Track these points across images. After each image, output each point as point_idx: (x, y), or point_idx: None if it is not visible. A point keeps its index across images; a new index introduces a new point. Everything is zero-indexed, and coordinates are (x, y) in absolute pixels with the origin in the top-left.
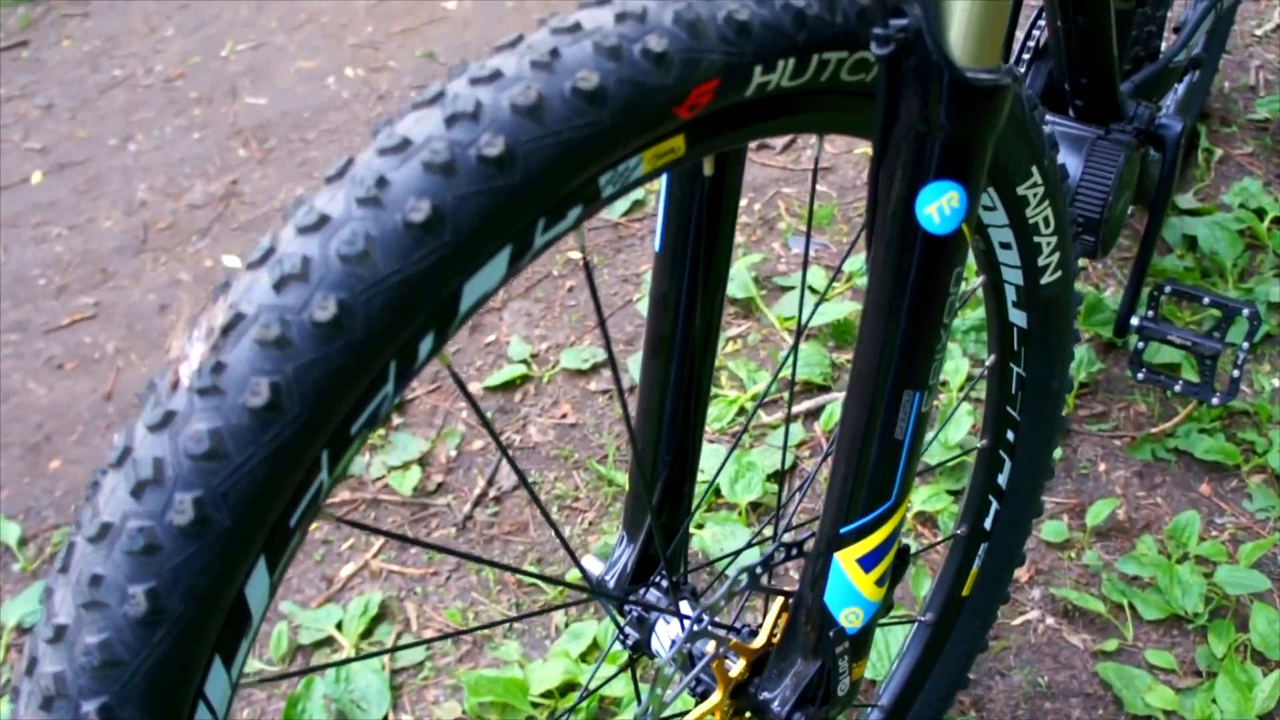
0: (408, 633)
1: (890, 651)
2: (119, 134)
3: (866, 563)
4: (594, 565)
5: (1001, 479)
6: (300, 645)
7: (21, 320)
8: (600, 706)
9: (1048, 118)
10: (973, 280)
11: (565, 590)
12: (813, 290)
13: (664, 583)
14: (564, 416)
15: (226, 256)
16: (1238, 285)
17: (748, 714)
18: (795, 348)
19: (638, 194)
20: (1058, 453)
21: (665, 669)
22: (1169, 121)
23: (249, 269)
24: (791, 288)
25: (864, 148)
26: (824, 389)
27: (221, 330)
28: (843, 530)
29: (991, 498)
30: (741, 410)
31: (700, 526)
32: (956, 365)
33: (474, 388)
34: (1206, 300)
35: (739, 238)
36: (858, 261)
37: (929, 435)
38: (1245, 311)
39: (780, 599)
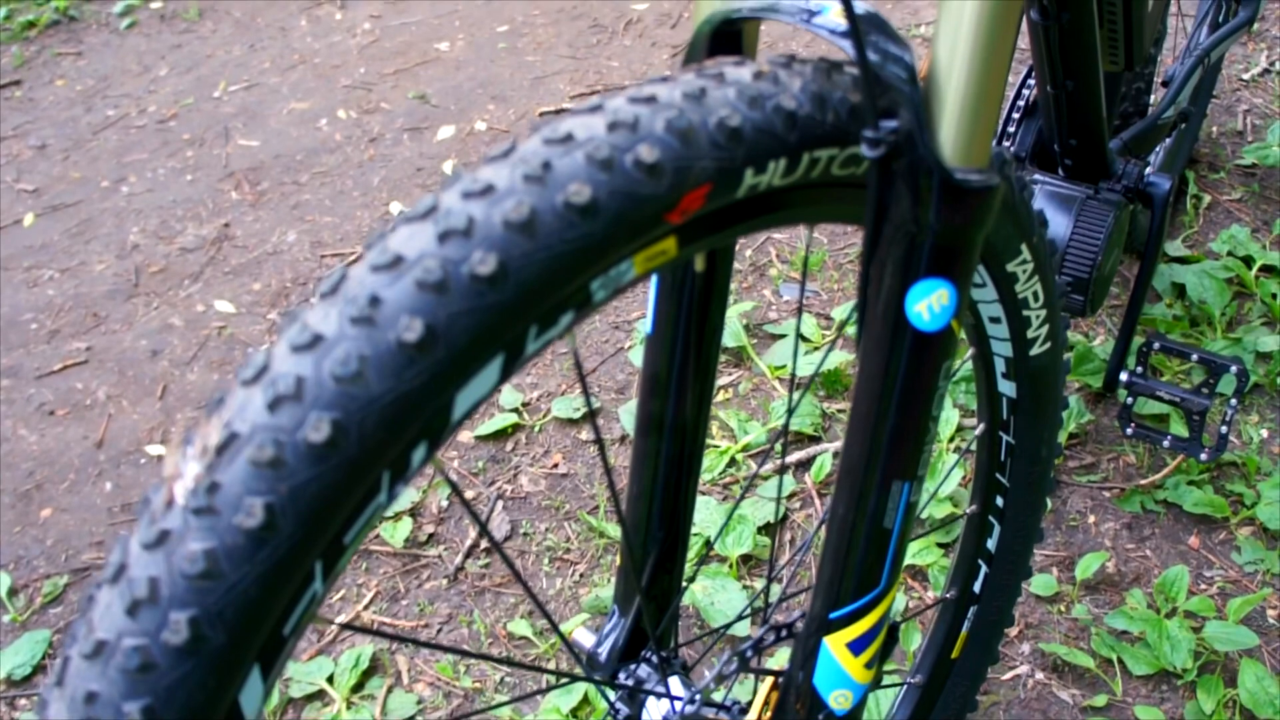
0: (399, 687)
1: (880, 712)
2: (112, 175)
3: (856, 647)
4: (584, 637)
5: (991, 543)
6: (291, 698)
7: (13, 365)
8: None
9: (1037, 176)
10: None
11: (557, 647)
12: (804, 339)
13: (655, 658)
14: (555, 466)
15: (218, 301)
16: (1226, 335)
17: None
18: (791, 400)
19: None
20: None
21: None
22: (1157, 180)
23: (243, 385)
24: (783, 335)
25: None
26: (815, 439)
27: (216, 449)
28: (832, 615)
29: (981, 561)
30: (732, 461)
31: (691, 579)
32: (946, 416)
33: (465, 436)
34: (1194, 357)
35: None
36: (846, 309)
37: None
38: (1233, 369)
39: (770, 679)
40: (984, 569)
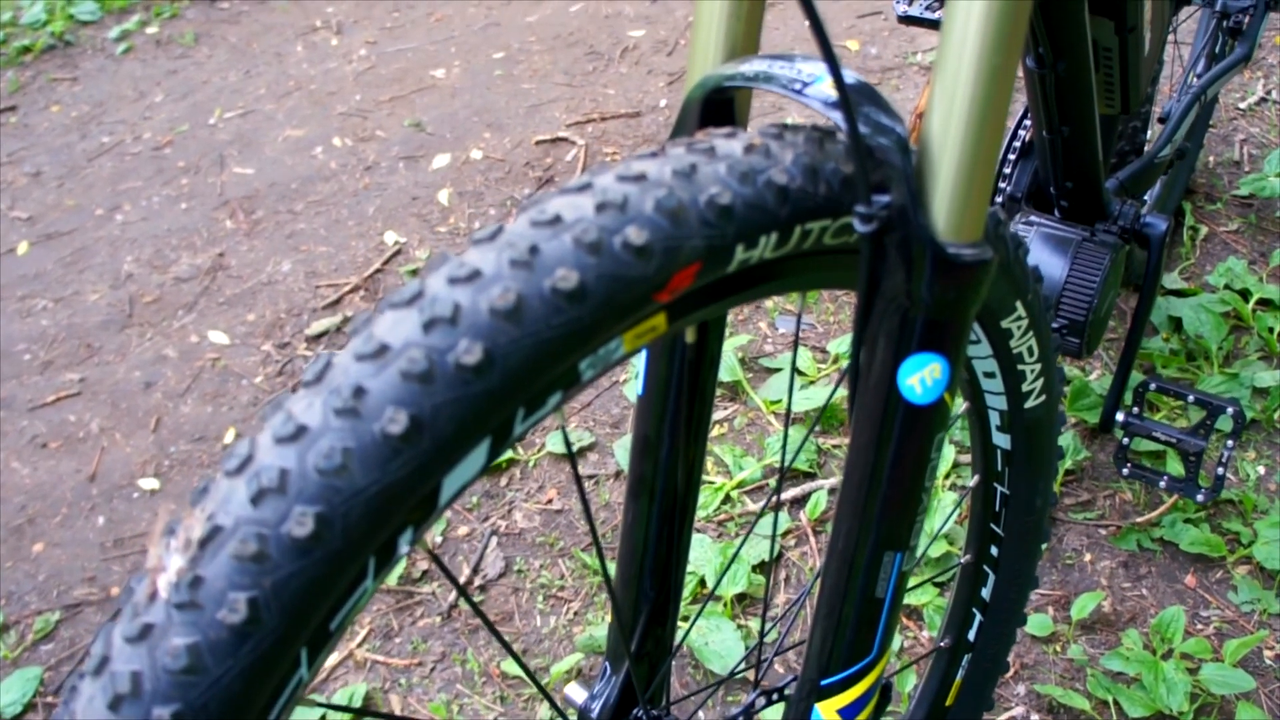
0: None
1: None
2: (106, 203)
3: (847, 713)
4: (576, 694)
5: (985, 592)
6: None
7: (6, 397)
8: None
9: (1033, 218)
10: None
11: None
12: (800, 373)
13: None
14: (549, 502)
15: (212, 332)
16: (1222, 370)
17: None
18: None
19: None
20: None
21: None
22: (1154, 220)
23: (226, 477)
24: (778, 369)
25: None
26: (810, 475)
27: (199, 543)
28: (824, 683)
29: (975, 610)
30: (727, 498)
31: (685, 619)
32: (943, 454)
33: None
34: (1191, 399)
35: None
36: (843, 344)
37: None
38: (1230, 410)
39: None
40: (979, 617)
